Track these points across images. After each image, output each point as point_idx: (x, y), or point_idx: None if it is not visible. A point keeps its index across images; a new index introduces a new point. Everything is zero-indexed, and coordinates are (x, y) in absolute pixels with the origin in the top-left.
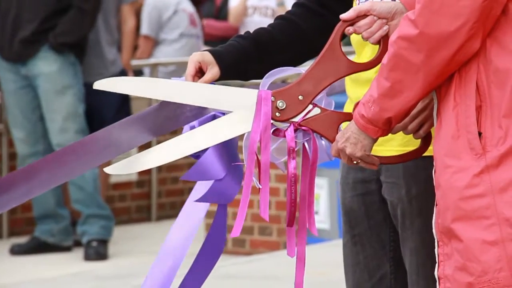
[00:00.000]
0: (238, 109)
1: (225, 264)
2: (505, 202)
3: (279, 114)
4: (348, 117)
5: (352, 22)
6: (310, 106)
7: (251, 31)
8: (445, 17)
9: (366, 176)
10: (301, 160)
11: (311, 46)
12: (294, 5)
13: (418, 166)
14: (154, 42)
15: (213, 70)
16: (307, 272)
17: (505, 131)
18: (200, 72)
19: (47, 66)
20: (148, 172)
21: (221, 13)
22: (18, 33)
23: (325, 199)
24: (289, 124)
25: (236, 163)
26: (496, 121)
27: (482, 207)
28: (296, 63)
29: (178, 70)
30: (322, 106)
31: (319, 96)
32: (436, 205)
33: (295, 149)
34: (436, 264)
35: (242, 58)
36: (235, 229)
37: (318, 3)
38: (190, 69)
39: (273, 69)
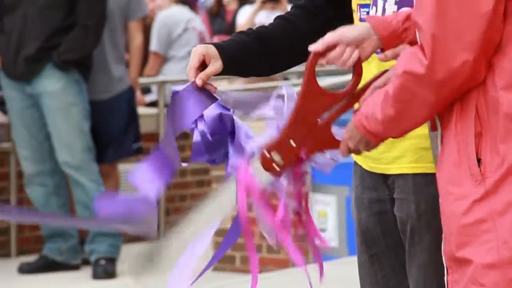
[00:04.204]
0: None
1: (233, 282)
2: (505, 225)
3: (278, 167)
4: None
5: (323, 53)
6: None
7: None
8: (451, 53)
9: (381, 195)
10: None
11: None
12: (293, 6)
13: (428, 182)
14: (163, 59)
15: (216, 64)
16: None
17: (502, 156)
18: (203, 65)
19: (51, 84)
20: None
21: (233, 28)
22: (22, 51)
23: (333, 217)
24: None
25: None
26: (495, 147)
27: (484, 231)
28: (294, 62)
29: None
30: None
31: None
32: (443, 232)
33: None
34: None
35: (244, 54)
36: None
37: (313, 5)
38: (194, 62)
39: (272, 66)
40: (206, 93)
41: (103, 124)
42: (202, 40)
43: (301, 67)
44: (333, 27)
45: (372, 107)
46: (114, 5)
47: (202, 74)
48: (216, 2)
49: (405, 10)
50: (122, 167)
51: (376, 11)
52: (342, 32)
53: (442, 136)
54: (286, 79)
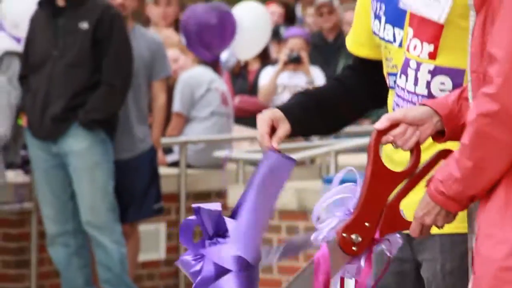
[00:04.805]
0: None
1: None
2: None
3: (356, 248)
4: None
5: (386, 131)
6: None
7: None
8: None
9: (403, 255)
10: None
11: (361, 106)
12: (345, 68)
13: (456, 242)
14: (186, 119)
15: (285, 126)
16: None
17: None
18: (271, 130)
19: (77, 144)
20: (175, 250)
21: (255, 88)
22: (48, 111)
23: None
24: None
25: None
26: None
27: None
28: (348, 120)
29: (207, 148)
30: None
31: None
32: (474, 273)
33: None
34: None
35: (304, 115)
36: None
37: (357, 67)
38: (264, 128)
39: (329, 125)
40: (284, 156)
41: (125, 183)
42: (224, 101)
43: None
44: (379, 88)
45: (447, 168)
46: (139, 64)
47: (277, 138)
48: (238, 62)
49: (455, 91)
50: (143, 227)
51: (407, 80)
52: (406, 111)
53: None
54: (307, 139)
